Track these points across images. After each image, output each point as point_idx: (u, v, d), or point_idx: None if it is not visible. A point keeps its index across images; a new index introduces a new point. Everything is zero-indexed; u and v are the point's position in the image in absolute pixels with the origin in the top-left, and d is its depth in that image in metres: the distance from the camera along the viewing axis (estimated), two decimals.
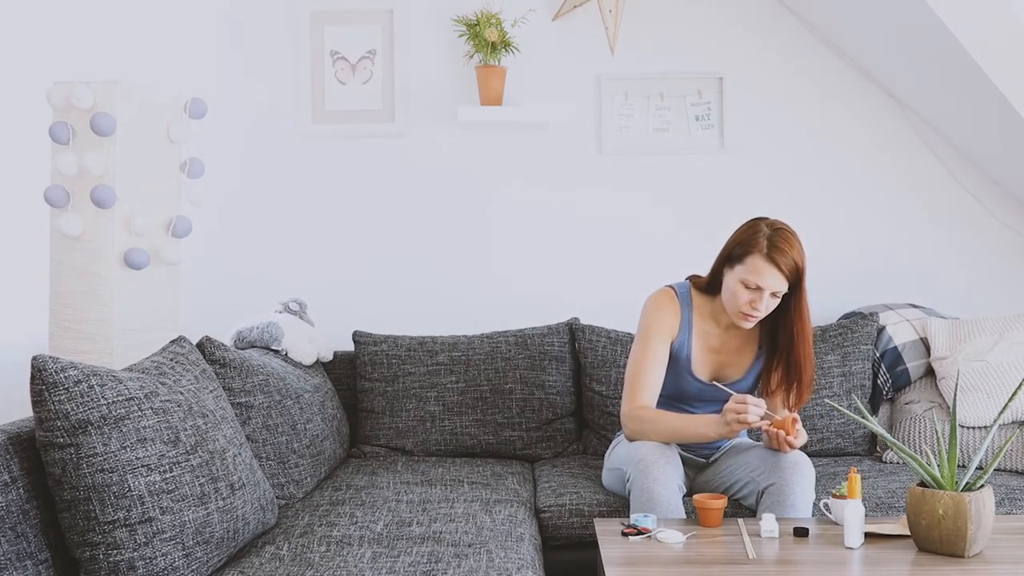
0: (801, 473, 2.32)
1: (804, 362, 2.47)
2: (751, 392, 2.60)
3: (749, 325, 2.45)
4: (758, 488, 2.35)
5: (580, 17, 3.47)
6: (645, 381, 2.49)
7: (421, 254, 3.53)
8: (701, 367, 2.57)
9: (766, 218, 2.46)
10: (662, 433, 2.43)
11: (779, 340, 2.50)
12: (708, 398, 2.57)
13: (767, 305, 2.41)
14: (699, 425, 2.39)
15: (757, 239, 2.39)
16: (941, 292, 3.49)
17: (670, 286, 2.60)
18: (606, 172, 3.52)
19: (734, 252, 2.43)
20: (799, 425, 2.35)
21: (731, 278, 2.43)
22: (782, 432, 2.32)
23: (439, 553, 2.09)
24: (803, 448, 2.45)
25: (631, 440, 2.50)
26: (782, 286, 2.39)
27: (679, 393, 2.57)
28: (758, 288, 2.38)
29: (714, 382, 2.50)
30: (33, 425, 1.80)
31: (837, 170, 3.52)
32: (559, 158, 3.52)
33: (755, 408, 2.27)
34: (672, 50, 3.50)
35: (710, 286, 2.56)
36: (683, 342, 2.55)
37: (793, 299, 2.44)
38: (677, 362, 2.55)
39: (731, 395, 2.34)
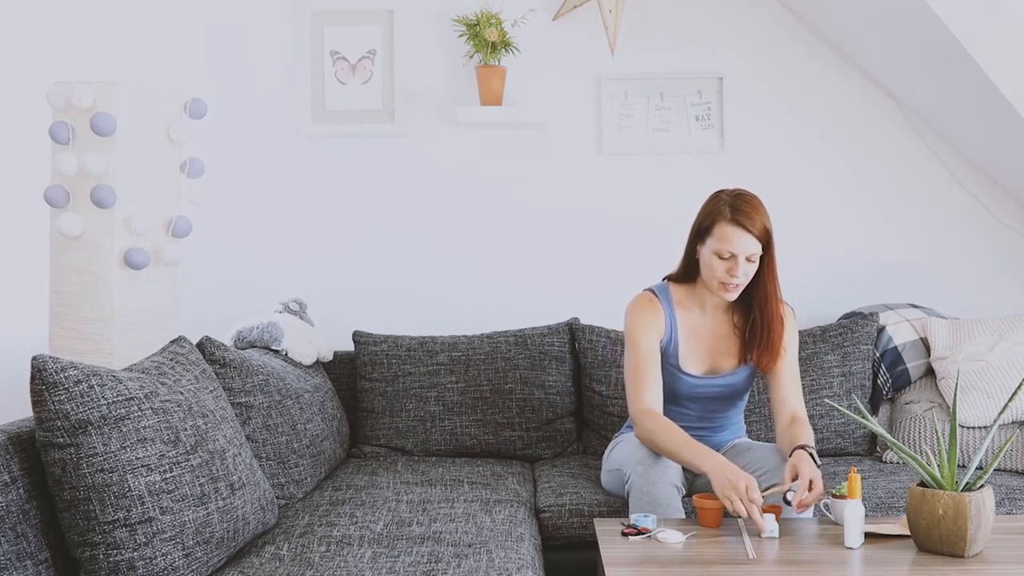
0: None
1: (774, 319, 2.49)
2: (748, 382, 2.61)
3: (732, 295, 2.46)
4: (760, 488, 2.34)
5: (580, 17, 3.47)
6: (645, 380, 2.48)
7: (421, 254, 3.53)
8: (690, 360, 2.56)
9: (725, 188, 2.50)
10: (663, 446, 2.37)
11: (752, 299, 2.52)
12: (701, 395, 2.57)
13: (745, 271, 2.42)
14: (697, 458, 2.28)
15: (720, 208, 2.43)
16: (941, 292, 3.49)
17: (648, 289, 2.62)
18: (606, 172, 3.52)
19: (702, 227, 2.47)
20: (809, 489, 2.19)
21: (705, 252, 2.46)
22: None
23: (439, 553, 2.09)
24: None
25: (641, 440, 2.46)
26: (755, 248, 2.41)
27: (671, 393, 2.56)
28: (732, 256, 2.40)
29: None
30: (33, 425, 1.81)
31: (837, 170, 3.53)
32: (559, 158, 3.53)
33: (743, 506, 2.13)
34: (672, 50, 3.50)
35: (686, 273, 2.58)
36: (670, 339, 2.55)
37: (764, 259, 2.46)
38: (666, 360, 2.55)
39: (771, 491, 2.22)
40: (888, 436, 2.07)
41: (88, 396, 1.76)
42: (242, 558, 2.08)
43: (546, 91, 3.50)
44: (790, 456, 2.29)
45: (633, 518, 2.15)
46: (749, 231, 2.39)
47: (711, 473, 2.21)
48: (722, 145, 3.49)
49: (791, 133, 3.52)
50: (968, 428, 2.90)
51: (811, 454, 2.28)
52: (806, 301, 3.36)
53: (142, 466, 1.80)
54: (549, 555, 2.51)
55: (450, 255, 3.53)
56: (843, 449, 3.07)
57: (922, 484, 2.03)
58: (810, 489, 2.17)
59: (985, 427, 2.89)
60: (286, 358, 2.91)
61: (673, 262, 2.62)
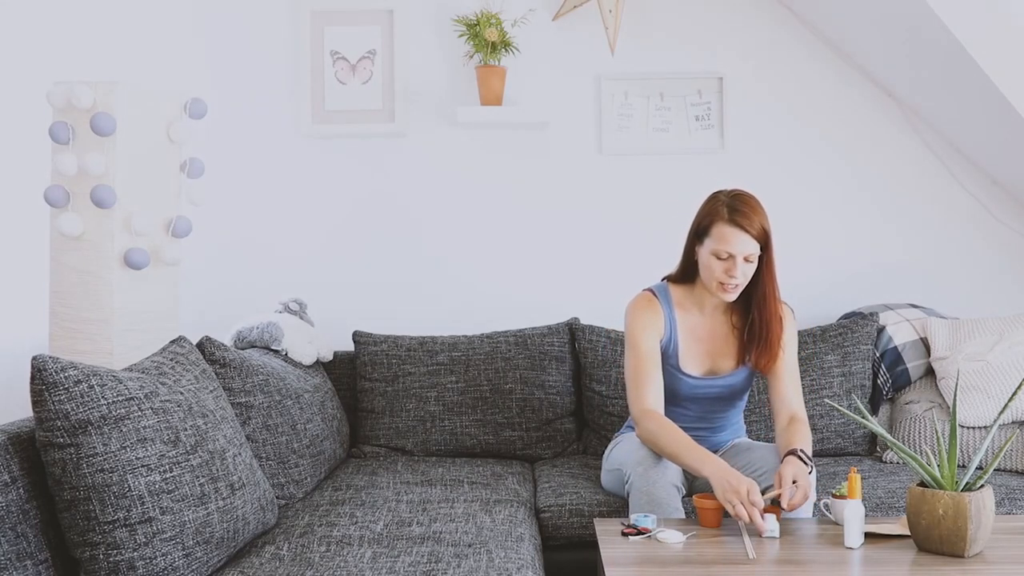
0: None
1: (772, 319, 2.49)
2: (748, 382, 2.61)
3: (731, 296, 2.45)
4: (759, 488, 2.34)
5: (580, 17, 3.47)
6: (646, 380, 2.48)
7: (421, 254, 3.53)
8: (690, 361, 2.56)
9: (723, 189, 2.50)
10: (664, 448, 2.36)
11: (751, 299, 2.51)
12: (700, 396, 2.57)
13: (743, 272, 2.41)
14: (698, 461, 2.27)
15: (718, 208, 2.43)
16: (941, 292, 3.49)
17: (648, 289, 2.61)
18: (606, 172, 3.52)
19: (700, 227, 2.47)
20: (796, 491, 2.19)
21: (703, 253, 2.46)
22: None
23: (439, 553, 2.09)
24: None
25: (643, 440, 2.46)
26: (752, 248, 2.40)
27: (671, 394, 2.56)
28: (730, 256, 2.40)
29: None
30: (33, 425, 1.81)
31: (837, 170, 3.53)
32: (559, 158, 3.53)
33: (744, 510, 2.12)
34: (672, 50, 3.50)
35: (685, 274, 2.58)
36: (670, 339, 2.55)
37: (763, 260, 2.46)
38: (665, 361, 2.54)
39: (769, 495, 2.21)
40: (888, 436, 2.07)
41: (88, 396, 1.76)
42: (242, 558, 2.08)
43: (546, 91, 3.50)
44: (781, 461, 2.30)
45: (633, 518, 2.15)
46: (747, 231, 2.38)
47: (712, 477, 2.21)
48: (722, 145, 3.50)
49: (791, 133, 3.52)
50: (968, 428, 2.90)
51: (801, 456, 2.28)
52: (806, 301, 3.36)
53: (142, 466, 1.80)
54: (549, 555, 2.51)
55: (450, 255, 3.53)
56: (843, 449, 3.07)
57: (922, 484, 2.03)
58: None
59: (985, 427, 2.89)
60: (286, 358, 2.91)
61: (673, 262, 2.62)
